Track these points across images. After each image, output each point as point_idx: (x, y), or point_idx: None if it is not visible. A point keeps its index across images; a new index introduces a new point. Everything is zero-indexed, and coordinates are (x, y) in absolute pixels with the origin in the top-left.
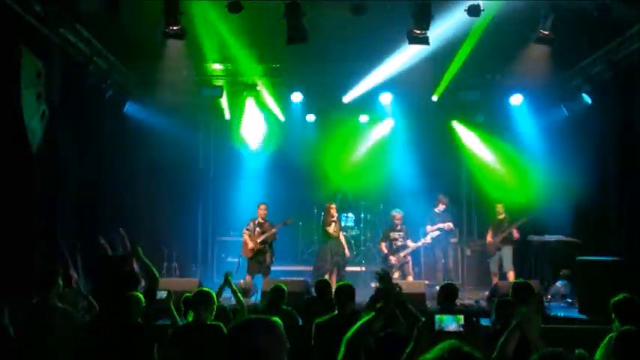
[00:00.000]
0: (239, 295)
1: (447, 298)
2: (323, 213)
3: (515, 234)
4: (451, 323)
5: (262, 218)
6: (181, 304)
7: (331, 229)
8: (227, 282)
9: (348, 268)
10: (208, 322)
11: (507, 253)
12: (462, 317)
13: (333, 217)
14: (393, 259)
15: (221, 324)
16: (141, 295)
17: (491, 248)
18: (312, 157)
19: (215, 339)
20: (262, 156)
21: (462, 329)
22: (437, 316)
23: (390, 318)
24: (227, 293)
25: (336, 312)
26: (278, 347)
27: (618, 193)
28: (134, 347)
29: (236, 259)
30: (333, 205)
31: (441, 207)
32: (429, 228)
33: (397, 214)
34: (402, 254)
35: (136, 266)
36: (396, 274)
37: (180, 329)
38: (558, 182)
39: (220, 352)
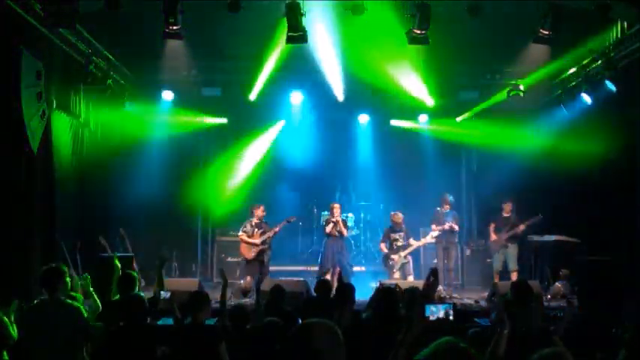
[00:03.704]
0: (259, 298)
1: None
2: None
3: (521, 227)
4: (442, 311)
5: (259, 219)
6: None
7: (328, 228)
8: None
9: None
10: (205, 323)
11: (513, 252)
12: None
13: (333, 216)
14: (394, 258)
15: (216, 324)
16: (143, 295)
17: (495, 246)
18: (312, 156)
19: (210, 339)
20: (262, 156)
21: (452, 318)
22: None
23: (388, 317)
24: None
25: (336, 312)
26: (338, 348)
27: (618, 193)
28: (136, 347)
29: (237, 260)
30: (336, 205)
31: (446, 207)
32: (434, 227)
33: (397, 215)
34: (402, 254)
35: (136, 266)
36: (396, 274)
37: (178, 330)
38: (558, 181)
39: (213, 351)
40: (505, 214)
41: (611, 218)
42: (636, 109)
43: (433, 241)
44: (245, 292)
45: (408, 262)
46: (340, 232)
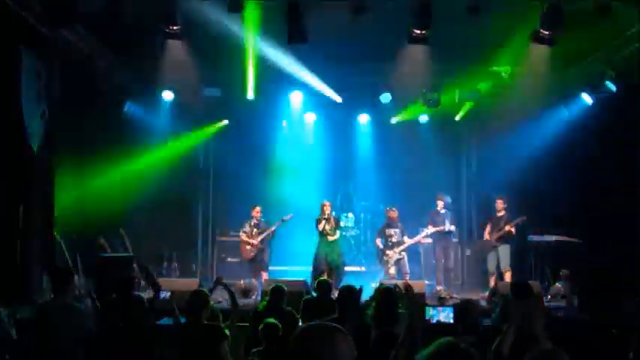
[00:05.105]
0: (235, 299)
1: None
2: None
3: (511, 229)
4: (443, 314)
5: (257, 219)
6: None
7: (320, 226)
8: (219, 284)
9: (348, 268)
10: (205, 322)
11: (504, 252)
12: (452, 309)
13: (324, 214)
14: (389, 253)
15: (217, 324)
16: (142, 296)
17: (487, 246)
18: (312, 156)
19: (211, 338)
20: (262, 156)
21: (452, 321)
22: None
23: (388, 317)
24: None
25: (337, 314)
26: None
27: (618, 193)
28: (136, 347)
29: (236, 260)
30: (326, 203)
31: (441, 207)
32: (430, 228)
33: (392, 211)
34: (397, 250)
35: (136, 266)
36: (392, 270)
37: (178, 329)
38: (558, 182)
39: (214, 351)
40: (498, 214)
41: (612, 218)
42: (636, 109)
43: (429, 240)
44: (245, 292)
45: (403, 257)
46: (332, 231)
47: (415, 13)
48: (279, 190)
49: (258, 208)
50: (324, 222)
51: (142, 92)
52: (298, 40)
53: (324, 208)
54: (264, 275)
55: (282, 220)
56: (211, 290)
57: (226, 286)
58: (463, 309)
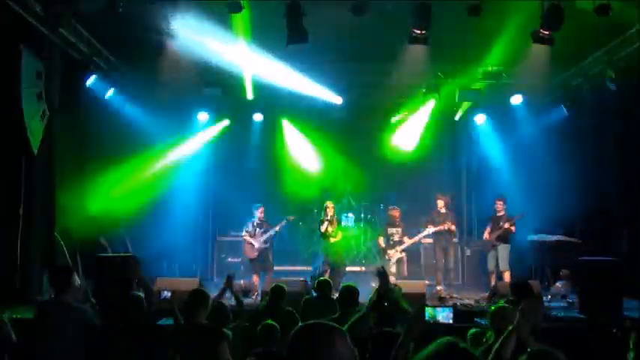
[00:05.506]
0: (240, 297)
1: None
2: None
3: (511, 227)
4: (442, 315)
5: (260, 219)
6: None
7: (323, 227)
8: (229, 284)
9: (348, 268)
10: (203, 322)
11: (503, 252)
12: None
13: (327, 215)
14: (390, 253)
15: (215, 324)
16: (140, 295)
17: (487, 245)
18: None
19: (209, 339)
20: (262, 156)
21: (452, 321)
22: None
23: (387, 318)
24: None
25: (338, 314)
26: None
27: (618, 193)
28: (136, 347)
29: (237, 260)
30: (329, 204)
31: (442, 207)
32: (430, 228)
33: (394, 210)
34: (398, 249)
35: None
36: (392, 269)
37: (175, 330)
38: (558, 182)
39: (213, 352)
40: (498, 214)
41: (612, 218)
42: (635, 108)
43: (429, 240)
44: (246, 292)
45: (403, 257)
46: (334, 233)
47: (415, 13)
48: (279, 190)
49: (261, 208)
50: (327, 223)
51: (142, 92)
52: (298, 40)
53: (328, 209)
54: (268, 275)
55: (287, 220)
56: (223, 290)
57: (230, 287)
58: (499, 315)
